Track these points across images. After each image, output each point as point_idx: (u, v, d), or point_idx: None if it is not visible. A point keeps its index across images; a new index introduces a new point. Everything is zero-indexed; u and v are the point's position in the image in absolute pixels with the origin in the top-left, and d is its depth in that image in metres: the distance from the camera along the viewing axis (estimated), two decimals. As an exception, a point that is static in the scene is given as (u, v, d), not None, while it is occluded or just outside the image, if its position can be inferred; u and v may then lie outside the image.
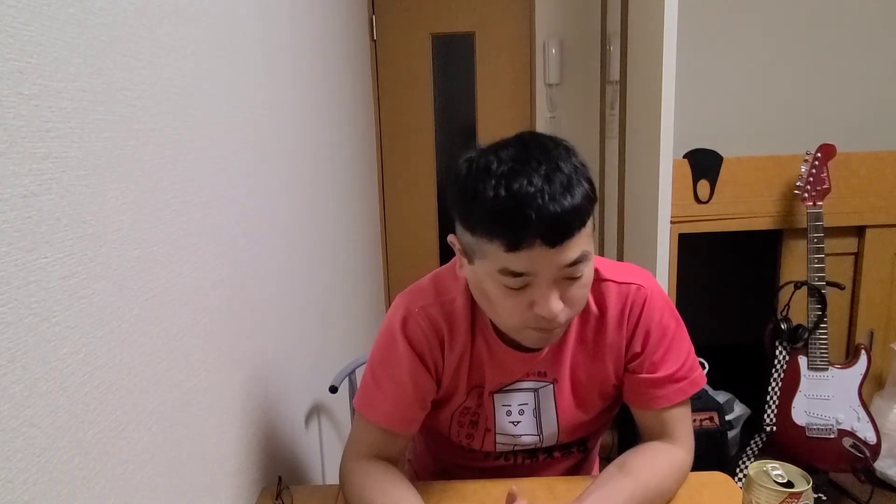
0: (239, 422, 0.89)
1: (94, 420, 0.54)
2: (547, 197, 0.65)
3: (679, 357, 0.86)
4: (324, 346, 1.50)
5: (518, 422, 0.89)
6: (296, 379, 1.23)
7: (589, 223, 0.70)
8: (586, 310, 0.85)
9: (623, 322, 0.86)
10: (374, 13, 2.67)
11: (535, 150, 0.69)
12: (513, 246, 0.66)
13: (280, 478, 0.96)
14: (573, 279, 0.71)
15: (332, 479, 1.48)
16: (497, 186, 0.66)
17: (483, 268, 0.72)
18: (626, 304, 0.85)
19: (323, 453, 1.43)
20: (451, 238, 0.78)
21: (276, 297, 1.11)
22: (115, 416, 0.58)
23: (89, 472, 0.53)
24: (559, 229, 0.66)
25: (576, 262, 0.69)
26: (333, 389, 1.24)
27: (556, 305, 0.70)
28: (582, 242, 0.69)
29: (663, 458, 0.85)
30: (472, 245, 0.72)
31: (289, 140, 1.26)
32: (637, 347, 0.86)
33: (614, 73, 2.36)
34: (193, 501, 0.74)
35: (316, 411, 1.38)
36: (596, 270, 0.85)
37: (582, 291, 0.74)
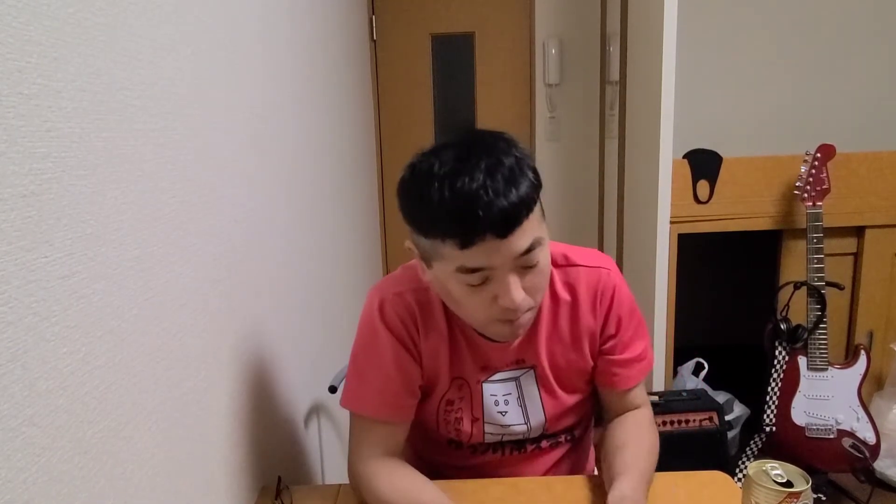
0: (238, 422, 0.90)
1: (94, 420, 0.54)
2: (491, 191, 0.66)
3: (644, 339, 0.92)
4: (324, 346, 1.50)
5: (505, 412, 0.91)
6: (296, 379, 1.23)
7: (537, 209, 0.72)
8: (556, 296, 0.88)
9: (596, 306, 0.88)
10: (374, 13, 2.67)
11: (476, 147, 0.70)
12: (465, 243, 0.68)
13: (280, 478, 0.96)
14: (530, 267, 0.73)
15: (332, 478, 1.48)
16: (441, 188, 0.68)
17: (442, 269, 0.73)
18: (597, 289, 0.88)
19: (322, 453, 1.43)
20: (407, 244, 0.79)
21: (275, 297, 1.11)
22: (115, 416, 0.58)
23: (89, 472, 0.53)
24: (507, 220, 0.67)
25: (529, 250, 0.71)
26: (333, 389, 1.25)
27: (518, 294, 0.72)
28: (532, 229, 0.71)
29: (638, 420, 0.91)
30: (427, 248, 0.73)
31: (289, 140, 1.26)
32: (611, 330, 0.89)
33: (614, 74, 2.36)
34: (193, 501, 0.74)
35: (316, 411, 1.38)
36: (565, 256, 0.88)
37: (541, 278, 0.76)
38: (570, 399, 0.92)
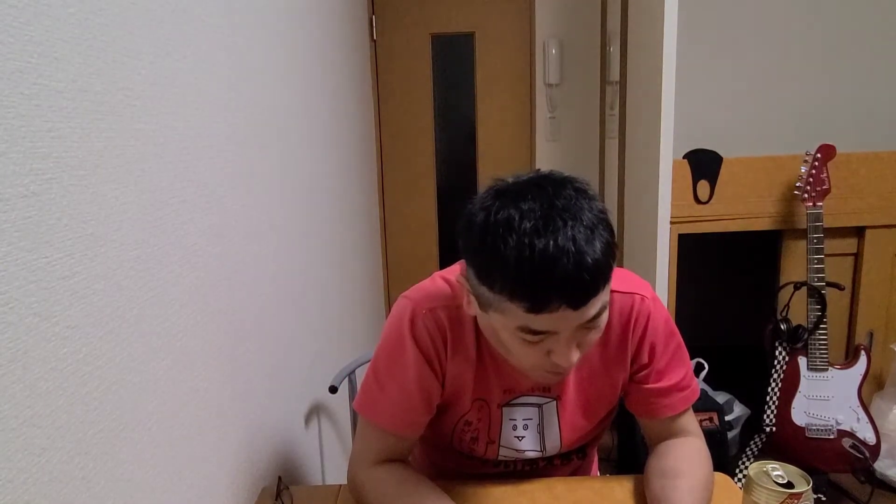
0: (239, 422, 0.89)
1: (94, 420, 0.54)
2: (573, 260, 0.62)
3: (683, 366, 0.87)
4: (324, 346, 1.50)
5: (522, 437, 0.89)
6: (296, 379, 1.23)
7: (610, 276, 0.68)
8: None
9: (628, 333, 0.85)
10: (374, 13, 2.67)
11: (558, 201, 0.66)
12: (535, 309, 0.65)
13: (280, 478, 0.96)
14: (591, 328, 0.71)
15: (332, 479, 1.48)
16: (520, 246, 0.63)
17: (499, 321, 0.70)
18: (631, 315, 0.85)
19: (323, 453, 1.43)
20: (460, 279, 0.75)
21: (276, 296, 1.11)
22: (115, 416, 0.58)
23: (89, 472, 0.53)
24: (584, 292, 0.64)
25: (596, 316, 0.68)
26: (333, 389, 1.24)
27: (575, 356, 0.70)
28: (604, 296, 0.68)
29: (692, 450, 0.86)
30: (488, 298, 0.69)
31: (289, 140, 1.26)
32: (644, 358, 0.86)
33: (614, 73, 2.36)
34: (193, 501, 0.74)
35: (316, 411, 1.38)
36: None
37: (597, 335, 0.73)
38: (589, 425, 0.90)
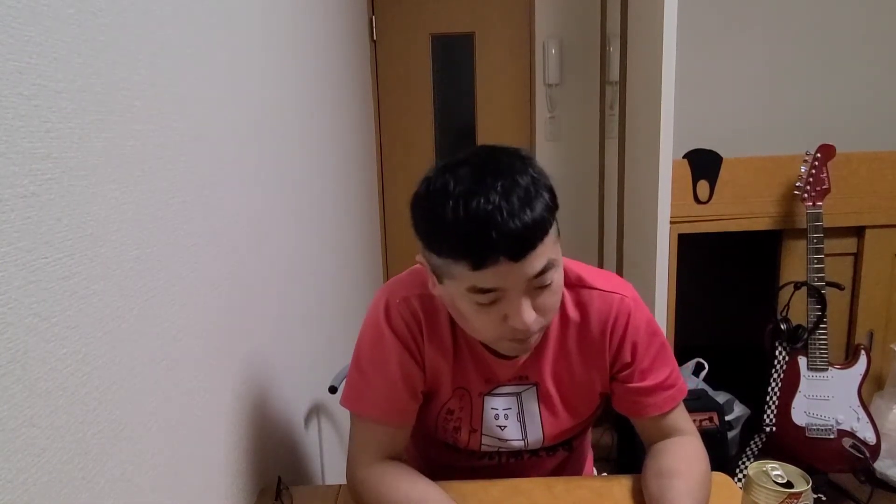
0: (238, 422, 0.90)
1: (94, 420, 0.54)
2: (506, 213, 0.65)
3: (667, 365, 0.88)
4: (324, 346, 1.50)
5: (504, 426, 0.90)
6: (296, 379, 1.23)
7: (552, 231, 0.70)
8: (565, 316, 0.86)
9: (607, 331, 0.86)
10: (374, 13, 2.67)
11: (491, 165, 0.69)
12: (478, 265, 0.67)
13: (279, 478, 0.96)
14: (543, 287, 0.72)
15: (332, 479, 1.48)
16: (455, 207, 0.66)
17: (453, 287, 0.72)
18: (610, 314, 0.85)
19: (322, 453, 1.43)
20: (419, 258, 0.78)
21: (276, 296, 1.11)
22: (115, 416, 0.58)
23: (89, 472, 0.53)
24: (522, 243, 0.66)
25: (543, 272, 0.70)
26: (333, 389, 1.25)
27: (529, 316, 0.71)
28: (547, 251, 0.70)
29: (688, 449, 0.86)
30: (439, 266, 0.72)
31: (289, 140, 1.26)
32: (626, 357, 0.86)
33: (614, 74, 2.36)
34: (193, 501, 0.74)
35: (315, 411, 1.38)
36: (579, 277, 0.86)
37: (553, 298, 0.74)
38: (571, 420, 0.91)
